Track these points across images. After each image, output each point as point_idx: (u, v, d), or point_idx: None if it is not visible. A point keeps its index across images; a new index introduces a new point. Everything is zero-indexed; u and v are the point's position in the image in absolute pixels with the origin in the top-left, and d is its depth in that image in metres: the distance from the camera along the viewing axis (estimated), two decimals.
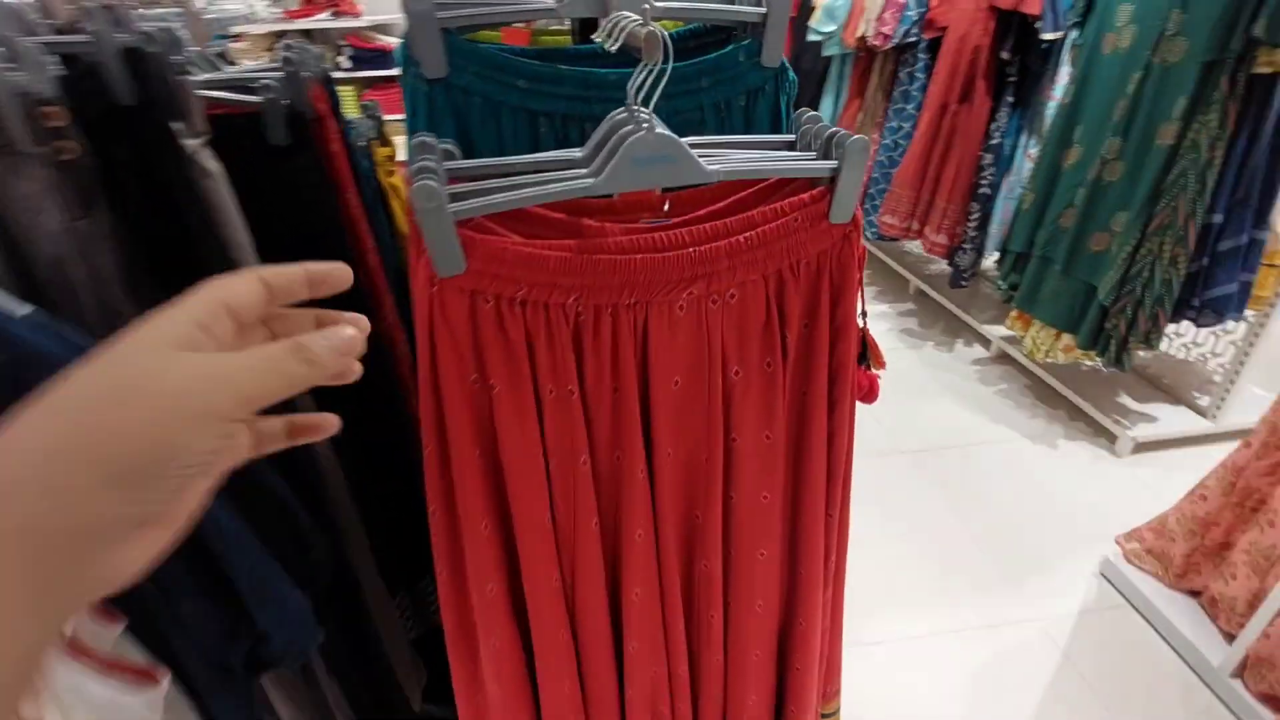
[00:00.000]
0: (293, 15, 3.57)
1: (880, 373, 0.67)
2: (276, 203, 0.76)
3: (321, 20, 3.58)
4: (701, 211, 0.60)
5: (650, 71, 0.52)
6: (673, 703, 0.75)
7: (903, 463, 1.97)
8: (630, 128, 0.49)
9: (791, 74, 0.64)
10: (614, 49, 0.54)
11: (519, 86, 0.60)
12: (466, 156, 0.57)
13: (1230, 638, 1.33)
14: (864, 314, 0.62)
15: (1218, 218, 1.63)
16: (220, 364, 0.25)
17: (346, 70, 3.63)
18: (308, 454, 0.85)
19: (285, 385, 0.26)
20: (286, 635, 0.54)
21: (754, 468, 0.63)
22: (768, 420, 0.62)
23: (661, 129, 0.49)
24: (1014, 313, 2.15)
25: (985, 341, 2.54)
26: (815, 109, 0.61)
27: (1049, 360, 2.09)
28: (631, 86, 0.53)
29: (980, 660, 1.40)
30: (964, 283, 2.41)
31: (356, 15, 3.66)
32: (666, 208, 0.59)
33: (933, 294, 2.81)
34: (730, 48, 0.63)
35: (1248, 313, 1.78)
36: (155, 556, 0.25)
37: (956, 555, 1.66)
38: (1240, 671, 1.27)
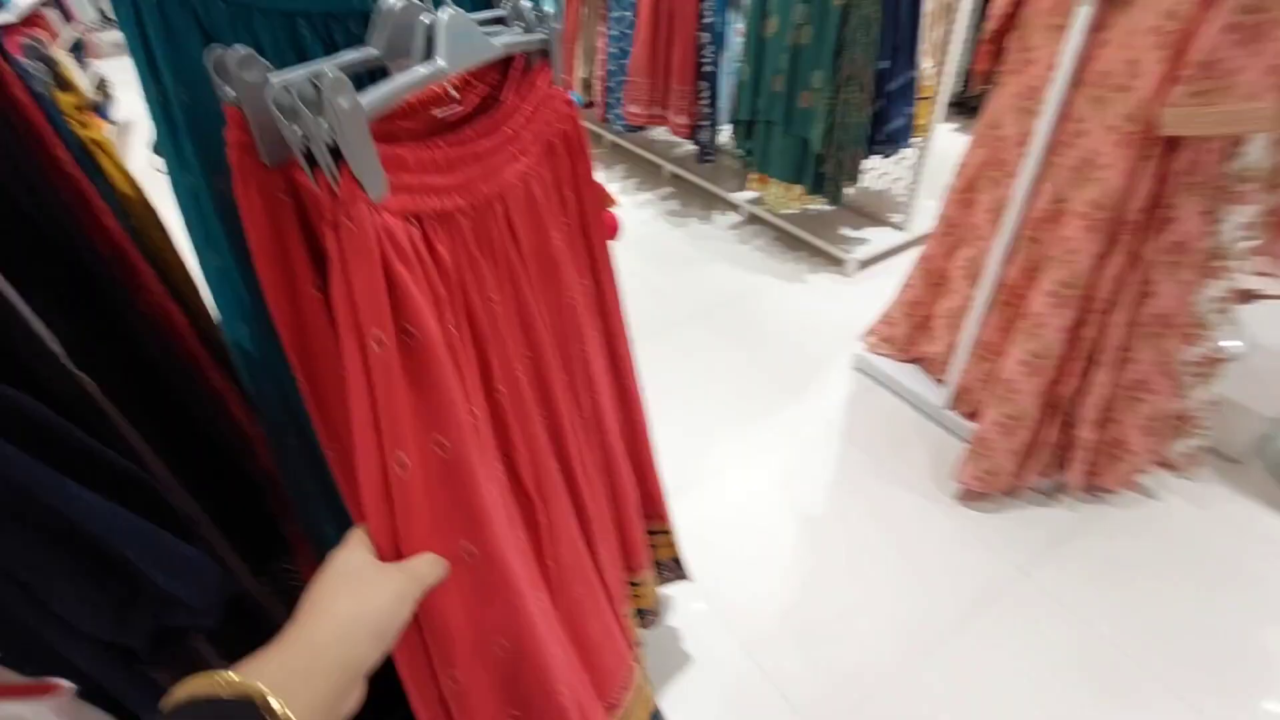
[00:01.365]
0: None
1: (616, 210, 0.80)
2: None
3: None
4: (477, 97, 0.64)
5: None
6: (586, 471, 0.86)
7: (692, 325, 2.22)
8: (431, 14, 0.51)
9: None
10: None
11: None
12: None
13: (942, 383, 1.78)
14: None
15: (885, 63, 1.99)
16: (400, 572, 0.47)
17: None
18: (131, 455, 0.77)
19: (425, 586, 0.48)
20: (197, 592, 0.52)
21: (587, 314, 0.73)
22: (579, 270, 0.71)
23: (454, 9, 0.51)
24: (754, 175, 2.46)
25: (736, 208, 2.87)
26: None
27: (787, 211, 2.44)
28: None
29: (786, 459, 1.72)
30: (709, 158, 2.66)
31: None
32: (455, 93, 0.62)
33: (685, 174, 3.07)
34: None
35: (915, 140, 2.23)
36: (357, 706, 0.43)
37: (752, 388, 1.96)
38: (952, 404, 1.72)
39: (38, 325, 0.65)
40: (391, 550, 0.48)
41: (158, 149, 1.11)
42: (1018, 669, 1.26)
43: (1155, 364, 1.35)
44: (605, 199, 0.77)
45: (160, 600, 0.52)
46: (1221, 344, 1.38)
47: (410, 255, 0.47)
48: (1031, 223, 1.37)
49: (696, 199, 3.02)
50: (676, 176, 3.15)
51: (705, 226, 2.82)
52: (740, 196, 2.80)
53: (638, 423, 0.96)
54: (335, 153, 0.43)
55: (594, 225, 0.74)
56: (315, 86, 0.41)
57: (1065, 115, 1.27)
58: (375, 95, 0.46)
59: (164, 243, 1.02)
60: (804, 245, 2.61)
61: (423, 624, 0.51)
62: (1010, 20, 1.36)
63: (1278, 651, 1.28)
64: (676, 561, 1.20)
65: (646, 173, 3.27)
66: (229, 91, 0.45)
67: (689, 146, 3.19)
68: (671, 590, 1.39)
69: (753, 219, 2.81)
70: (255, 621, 0.91)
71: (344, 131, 0.42)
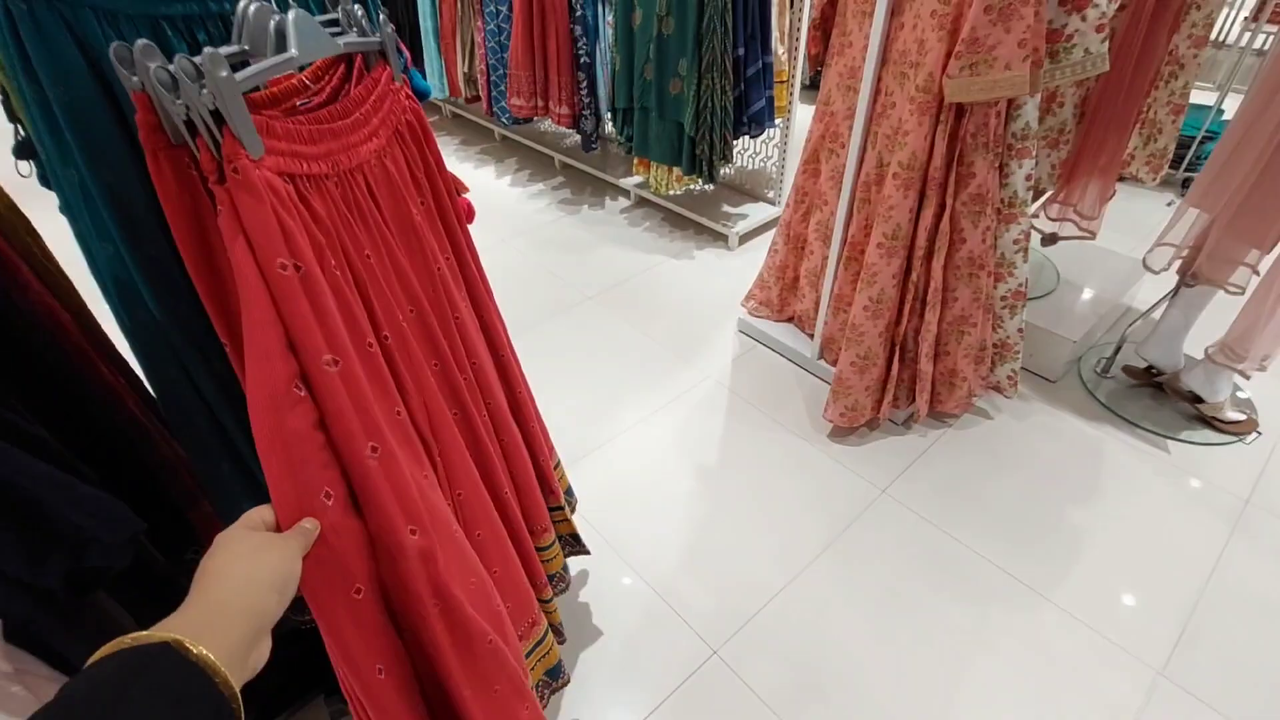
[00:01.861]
0: None
1: (468, 195, 0.91)
2: None
3: None
4: (329, 89, 0.73)
5: None
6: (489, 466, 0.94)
7: (590, 306, 2.34)
8: (279, 15, 0.60)
9: None
10: None
11: None
12: (99, 82, 0.61)
13: (812, 337, 1.99)
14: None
15: (741, 51, 2.17)
16: (288, 538, 0.53)
17: None
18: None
19: (306, 546, 0.54)
20: (107, 527, 0.59)
21: (456, 287, 0.83)
22: (441, 246, 0.81)
23: (298, 9, 0.61)
24: (636, 160, 2.60)
25: (625, 193, 3.01)
26: None
27: (670, 193, 2.60)
28: None
29: (681, 418, 1.87)
30: (593, 146, 2.78)
31: None
32: (313, 86, 0.70)
33: (575, 164, 3.18)
34: None
35: (778, 120, 2.43)
36: (265, 658, 0.47)
37: (648, 358, 2.10)
38: (821, 354, 1.93)
39: None
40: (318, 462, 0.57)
41: (21, 154, 1.12)
42: (882, 569, 1.47)
43: (973, 301, 1.59)
44: (458, 185, 0.87)
45: (74, 540, 0.59)
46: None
47: (289, 205, 0.56)
48: (863, 186, 1.57)
49: (588, 186, 3.14)
50: (568, 166, 3.25)
51: (598, 212, 2.94)
52: (629, 181, 2.94)
53: (521, 399, 1.02)
54: (216, 119, 0.52)
55: (449, 208, 0.84)
56: (194, 65, 0.50)
57: (878, 90, 1.47)
58: (245, 72, 0.55)
59: (36, 245, 1.03)
60: (690, 224, 2.78)
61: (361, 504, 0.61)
62: (831, 8, 1.55)
63: (1086, 528, 1.55)
64: (575, 537, 1.25)
65: (538, 164, 3.36)
66: (134, 79, 0.53)
67: (577, 136, 3.30)
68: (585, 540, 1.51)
69: (642, 202, 2.96)
70: (169, 595, 0.96)
71: (224, 98, 0.51)
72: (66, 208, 0.78)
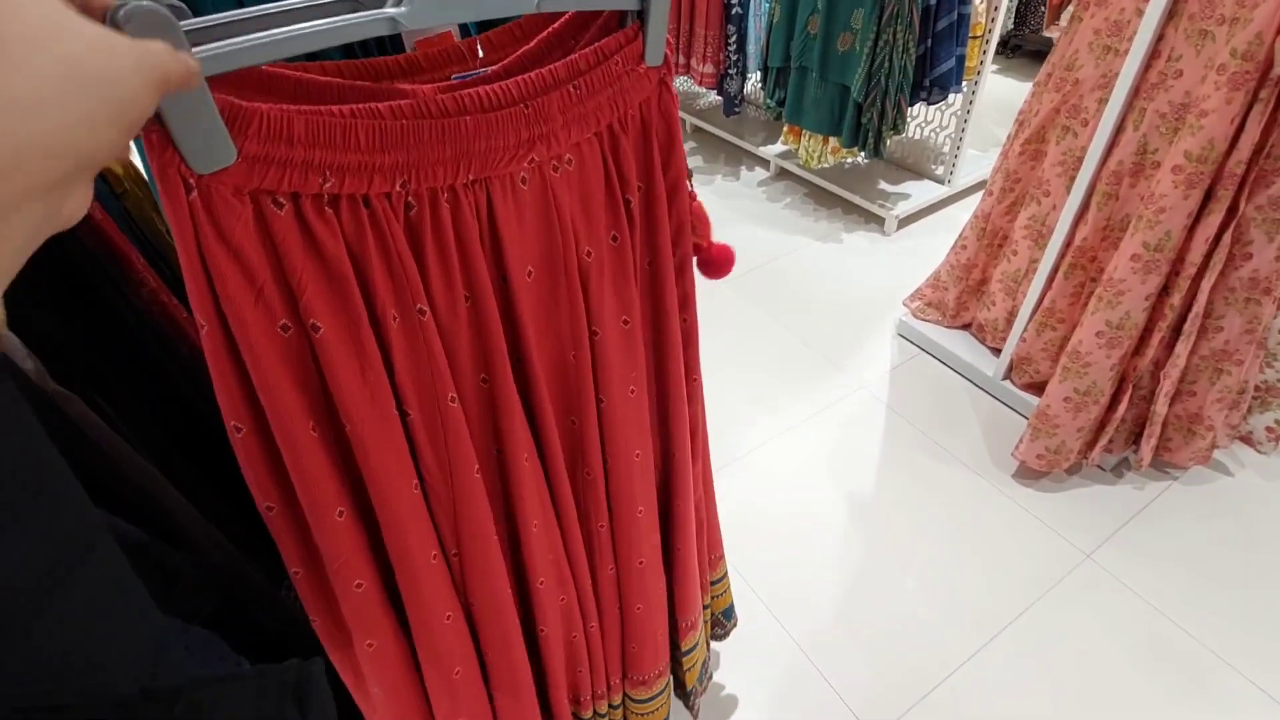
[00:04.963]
0: None
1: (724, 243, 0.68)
2: None
3: None
4: (514, 57, 0.52)
5: None
6: (585, 623, 0.72)
7: (724, 293, 2.10)
8: None
9: None
10: None
11: None
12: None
13: (996, 352, 1.67)
14: (689, 173, 0.60)
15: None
16: (140, 42, 0.26)
17: None
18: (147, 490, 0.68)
19: (179, 74, 0.28)
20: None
21: (619, 360, 0.60)
22: (624, 303, 0.58)
23: None
24: (786, 127, 2.30)
25: (764, 163, 2.71)
26: None
27: (821, 166, 2.29)
28: None
29: (830, 435, 1.63)
30: (736, 110, 2.49)
31: None
32: (481, 54, 0.50)
33: (709, 128, 2.90)
34: None
35: (963, 84, 2.05)
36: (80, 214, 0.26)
37: (790, 359, 1.85)
38: (1008, 374, 1.61)
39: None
40: None
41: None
42: (1085, 658, 1.19)
43: (1244, 333, 1.23)
44: (698, 222, 0.63)
45: None
46: None
47: (241, 241, 0.39)
48: (1110, 176, 1.23)
49: (722, 154, 2.86)
50: (699, 130, 2.98)
51: (732, 184, 2.67)
52: (769, 150, 2.64)
53: (681, 518, 0.76)
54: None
55: (666, 253, 0.60)
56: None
57: (1156, 53, 1.12)
58: (234, 44, 0.34)
59: (161, 223, 0.93)
60: (839, 201, 2.46)
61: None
62: None
63: None
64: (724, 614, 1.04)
65: None
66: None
67: (713, 97, 3.01)
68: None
69: (783, 174, 2.65)
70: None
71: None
72: None
